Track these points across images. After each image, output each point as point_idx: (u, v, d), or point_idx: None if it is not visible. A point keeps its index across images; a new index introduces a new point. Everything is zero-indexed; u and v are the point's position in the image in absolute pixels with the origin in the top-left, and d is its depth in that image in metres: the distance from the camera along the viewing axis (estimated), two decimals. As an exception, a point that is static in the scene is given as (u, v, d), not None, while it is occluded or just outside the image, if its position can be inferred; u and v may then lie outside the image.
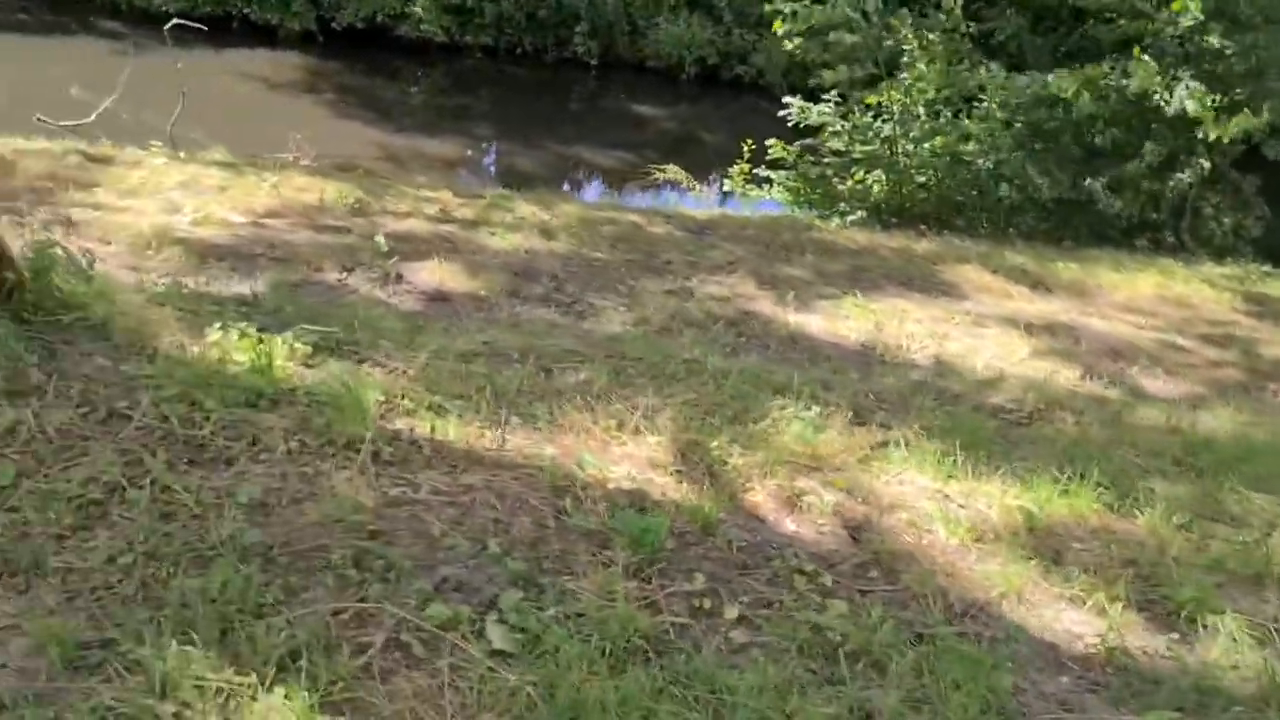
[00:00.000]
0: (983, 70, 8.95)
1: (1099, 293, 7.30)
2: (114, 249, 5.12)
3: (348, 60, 14.51)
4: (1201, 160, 8.51)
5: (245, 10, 14.54)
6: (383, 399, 3.11)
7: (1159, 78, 8.27)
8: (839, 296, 6.20)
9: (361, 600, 2.18)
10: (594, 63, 15.27)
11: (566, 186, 11.64)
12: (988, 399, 4.51)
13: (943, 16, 8.76)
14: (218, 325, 3.32)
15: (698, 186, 8.98)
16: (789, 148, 9.01)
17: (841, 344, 5.38)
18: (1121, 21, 9.03)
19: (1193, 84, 8.29)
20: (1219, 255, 8.92)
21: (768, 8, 8.65)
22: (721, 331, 5.31)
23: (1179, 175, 8.52)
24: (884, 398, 4.25)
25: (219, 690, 1.85)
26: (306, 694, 1.84)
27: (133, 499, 2.37)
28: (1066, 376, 5.25)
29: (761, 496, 2.93)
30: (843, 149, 9.10)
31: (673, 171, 8.97)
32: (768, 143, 9.01)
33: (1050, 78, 8.20)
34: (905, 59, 8.78)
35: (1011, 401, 4.50)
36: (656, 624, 2.21)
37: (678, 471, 2.93)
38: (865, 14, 8.23)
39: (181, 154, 7.92)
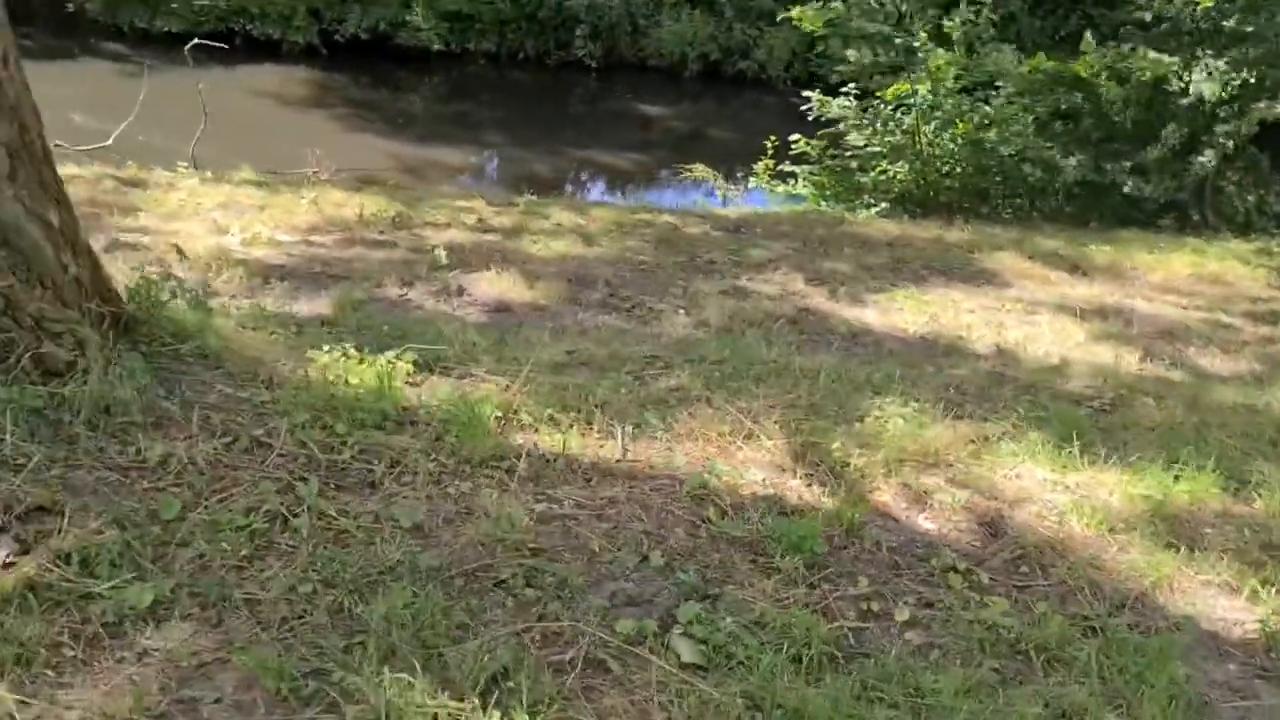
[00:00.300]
0: (999, 54, 8.99)
1: (1135, 274, 7.33)
2: (176, 273, 5.11)
3: (353, 72, 14.49)
4: (1221, 140, 8.56)
5: (248, 27, 14.50)
6: (500, 415, 3.12)
7: (1175, 61, 8.32)
8: (888, 289, 6.23)
9: (542, 619, 2.19)
10: (595, 65, 15.27)
11: (585, 189, 11.67)
12: (1063, 387, 4.53)
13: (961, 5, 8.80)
14: (325, 348, 3.34)
15: (727, 186, 9.00)
16: (812, 142, 9.02)
17: (903, 337, 5.40)
18: (1139, 1, 9.08)
19: (1212, 63, 8.35)
20: (1243, 231, 8.97)
21: (781, 15, 8.66)
22: (783, 330, 5.32)
23: (1200, 158, 8.58)
24: (965, 390, 4.28)
25: (437, 715, 1.86)
26: (528, 717, 1.86)
27: (296, 526, 2.37)
28: (1128, 360, 5.28)
29: (889, 496, 2.95)
30: (863, 142, 9.12)
31: (701, 171, 8.99)
32: (791, 138, 9.02)
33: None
34: (921, 49, 8.80)
35: (1088, 388, 4.53)
36: (834, 630, 2.23)
37: (807, 475, 2.95)
38: (881, 2, 8.27)
39: (209, 174, 7.92)
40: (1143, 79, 8.25)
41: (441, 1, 14.84)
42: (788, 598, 2.32)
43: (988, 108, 8.82)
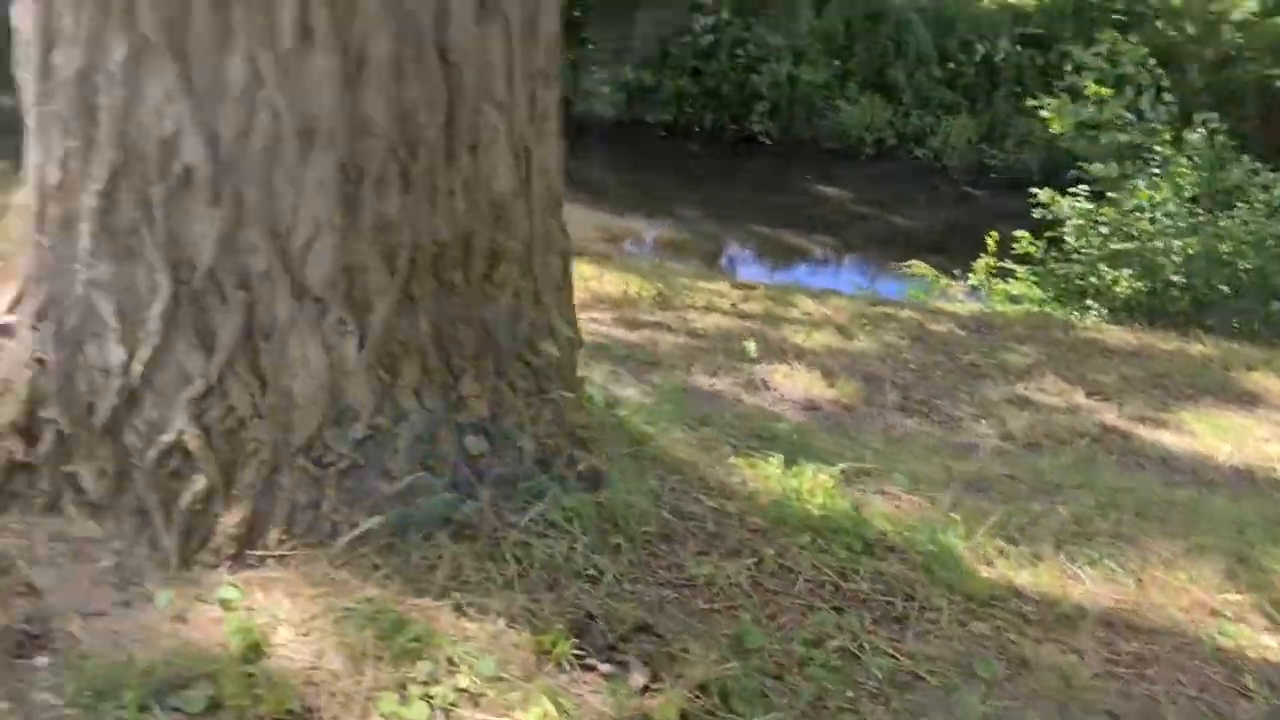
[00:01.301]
0: (1237, 169, 8.85)
1: (1407, 405, 7.06)
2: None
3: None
4: None
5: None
6: (963, 544, 3.09)
7: None
8: (1170, 408, 6.08)
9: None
10: (770, 141, 15.45)
11: (786, 270, 11.73)
12: None
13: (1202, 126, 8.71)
14: (772, 457, 3.34)
15: (951, 284, 8.97)
16: (1036, 242, 8.95)
17: (1216, 466, 5.25)
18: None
19: None
20: None
21: (1041, 113, 8.69)
22: (1091, 449, 5.21)
23: None
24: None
25: None
26: None
27: (867, 664, 2.36)
28: None
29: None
30: (1083, 242, 9.01)
31: (920, 268, 9.00)
32: (1015, 234, 8.97)
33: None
34: (1159, 158, 8.71)
35: None
36: None
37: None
38: (1140, 113, 8.22)
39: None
40: None
41: (624, 73, 15.21)
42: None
43: (1224, 222, 8.66)
